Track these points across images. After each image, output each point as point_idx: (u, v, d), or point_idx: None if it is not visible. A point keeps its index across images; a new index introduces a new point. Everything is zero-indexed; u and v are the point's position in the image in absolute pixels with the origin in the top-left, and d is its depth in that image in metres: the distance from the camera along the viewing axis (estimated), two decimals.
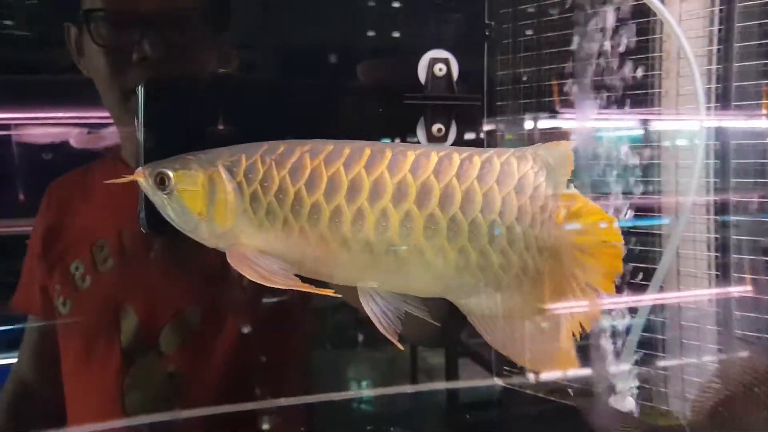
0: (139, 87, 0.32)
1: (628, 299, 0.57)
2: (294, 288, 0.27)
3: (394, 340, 0.27)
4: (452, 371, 2.12)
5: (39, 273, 0.62)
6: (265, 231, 0.28)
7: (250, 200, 0.28)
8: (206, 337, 0.57)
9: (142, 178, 0.30)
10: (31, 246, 0.63)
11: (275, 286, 0.27)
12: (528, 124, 0.85)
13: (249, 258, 0.27)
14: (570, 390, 0.72)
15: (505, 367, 0.80)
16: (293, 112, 0.32)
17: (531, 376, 0.74)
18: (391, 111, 0.32)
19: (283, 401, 0.61)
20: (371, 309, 0.27)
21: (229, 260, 0.28)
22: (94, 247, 0.58)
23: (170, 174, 0.29)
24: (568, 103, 0.72)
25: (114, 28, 0.51)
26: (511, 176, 0.24)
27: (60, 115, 0.67)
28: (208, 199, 0.28)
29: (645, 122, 0.73)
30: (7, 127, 0.68)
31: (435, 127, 0.32)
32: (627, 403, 0.57)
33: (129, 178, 0.30)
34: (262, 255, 0.27)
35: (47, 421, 0.61)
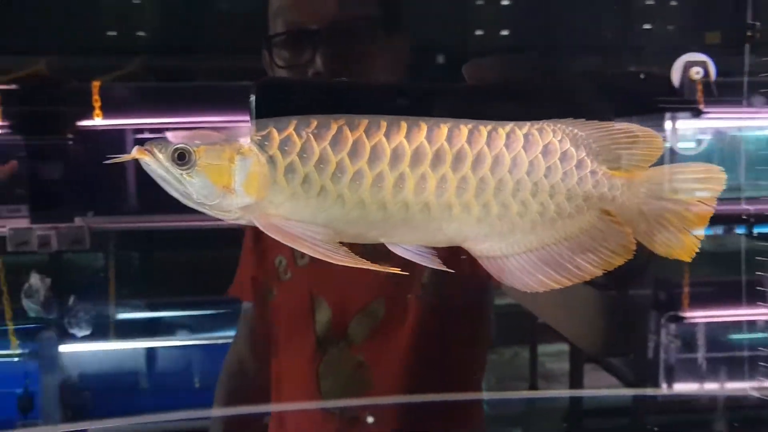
0: (251, 96, 0.32)
1: None
2: (347, 263, 0.29)
3: (437, 265, 0.30)
4: (576, 377, 2.03)
5: (251, 264, 0.68)
6: (296, 200, 0.29)
7: (285, 171, 0.29)
8: (390, 329, 0.59)
9: (147, 155, 0.30)
10: (246, 239, 0.69)
11: (329, 260, 0.29)
12: None
13: (285, 228, 0.29)
14: None
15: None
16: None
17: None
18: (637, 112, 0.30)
19: (402, 398, 0.62)
20: (406, 253, 0.30)
21: (264, 229, 0.30)
22: None
23: (191, 149, 0.29)
24: None
25: (291, 49, 0.53)
26: (536, 143, 0.28)
27: None
28: (238, 173, 0.29)
29: None
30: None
31: None
32: None
33: (129, 156, 0.30)
34: (296, 222, 0.29)
35: (258, 397, 0.68)
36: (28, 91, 1.53)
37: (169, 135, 0.31)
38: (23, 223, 1.49)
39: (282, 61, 0.54)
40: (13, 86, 1.49)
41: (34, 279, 1.45)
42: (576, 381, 2.01)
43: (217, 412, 0.76)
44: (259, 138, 0.29)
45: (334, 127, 0.29)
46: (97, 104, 1.50)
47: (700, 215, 0.28)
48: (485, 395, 0.72)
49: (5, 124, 1.49)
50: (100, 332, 1.56)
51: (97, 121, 1.51)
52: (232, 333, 1.56)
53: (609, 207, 0.28)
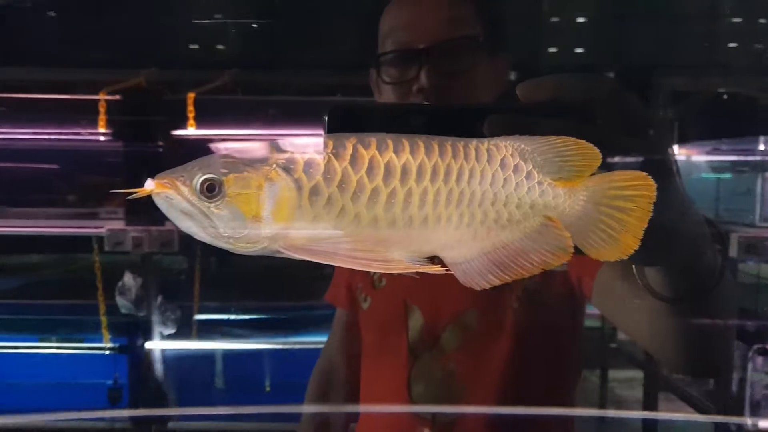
0: (324, 117, 0.33)
1: None
2: (401, 271, 0.30)
3: (436, 270, 0.30)
4: (651, 406, 1.95)
5: (346, 272, 0.70)
6: (318, 222, 0.29)
7: (309, 194, 0.29)
8: (484, 340, 0.60)
9: (169, 189, 0.28)
10: None
11: (366, 269, 0.30)
12: None
13: (315, 248, 0.29)
14: None
15: None
16: None
17: None
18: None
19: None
20: (408, 265, 0.31)
21: (294, 254, 0.29)
22: None
23: (221, 179, 0.28)
24: None
25: (399, 66, 0.56)
26: (496, 157, 0.31)
27: None
28: (266, 200, 0.28)
29: None
30: None
31: None
32: None
33: (147, 190, 0.28)
34: (323, 242, 0.30)
35: (346, 397, 0.72)
36: (128, 102, 1.64)
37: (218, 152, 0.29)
38: (119, 225, 1.59)
39: (389, 78, 0.57)
40: (116, 97, 1.60)
41: (128, 278, 1.54)
42: (650, 410, 1.92)
43: (309, 409, 0.78)
44: (284, 161, 0.29)
45: (349, 147, 0.29)
46: (191, 114, 1.58)
47: (635, 217, 0.30)
48: (576, 411, 0.71)
49: (108, 131, 1.60)
50: (184, 331, 1.63)
51: (191, 130, 1.60)
52: (310, 338, 1.61)
53: (551, 213, 0.31)
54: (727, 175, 2.13)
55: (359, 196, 0.29)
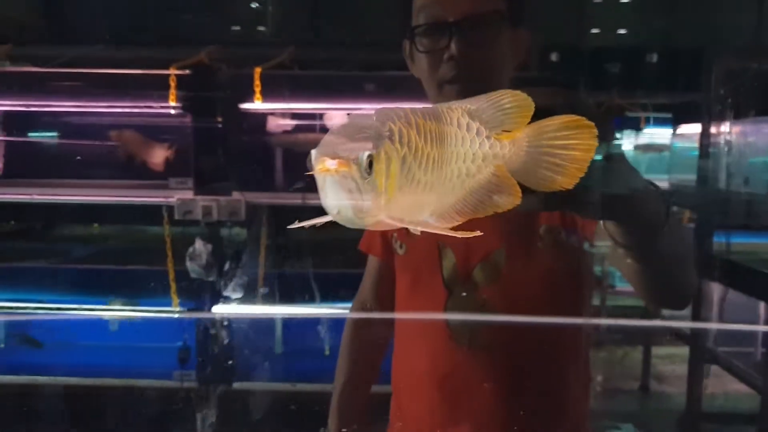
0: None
1: None
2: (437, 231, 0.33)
3: (461, 234, 0.33)
4: (697, 377, 1.98)
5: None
6: (400, 191, 0.30)
7: (401, 164, 0.29)
8: (512, 275, 0.67)
9: (347, 167, 0.27)
10: None
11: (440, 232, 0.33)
12: None
13: (406, 219, 0.31)
14: None
15: None
16: None
17: None
18: None
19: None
20: (436, 228, 0.33)
21: (396, 224, 0.29)
22: None
23: (373, 154, 0.28)
24: None
25: (431, 37, 0.64)
26: (453, 119, 0.33)
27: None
28: (385, 173, 0.28)
29: None
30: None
31: None
32: None
33: (333, 169, 0.27)
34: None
35: (380, 334, 0.79)
36: (194, 77, 1.70)
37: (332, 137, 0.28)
38: (188, 194, 1.67)
39: (423, 47, 0.64)
40: (186, 71, 1.67)
41: (198, 244, 1.61)
42: (695, 383, 1.95)
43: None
44: (388, 134, 0.29)
45: (411, 117, 0.30)
46: (257, 89, 1.64)
47: (579, 151, 0.33)
48: (607, 320, 0.77)
49: (178, 105, 1.67)
50: (249, 296, 1.71)
51: (257, 104, 1.66)
52: None
53: (500, 162, 0.34)
54: None
55: (422, 163, 0.30)
